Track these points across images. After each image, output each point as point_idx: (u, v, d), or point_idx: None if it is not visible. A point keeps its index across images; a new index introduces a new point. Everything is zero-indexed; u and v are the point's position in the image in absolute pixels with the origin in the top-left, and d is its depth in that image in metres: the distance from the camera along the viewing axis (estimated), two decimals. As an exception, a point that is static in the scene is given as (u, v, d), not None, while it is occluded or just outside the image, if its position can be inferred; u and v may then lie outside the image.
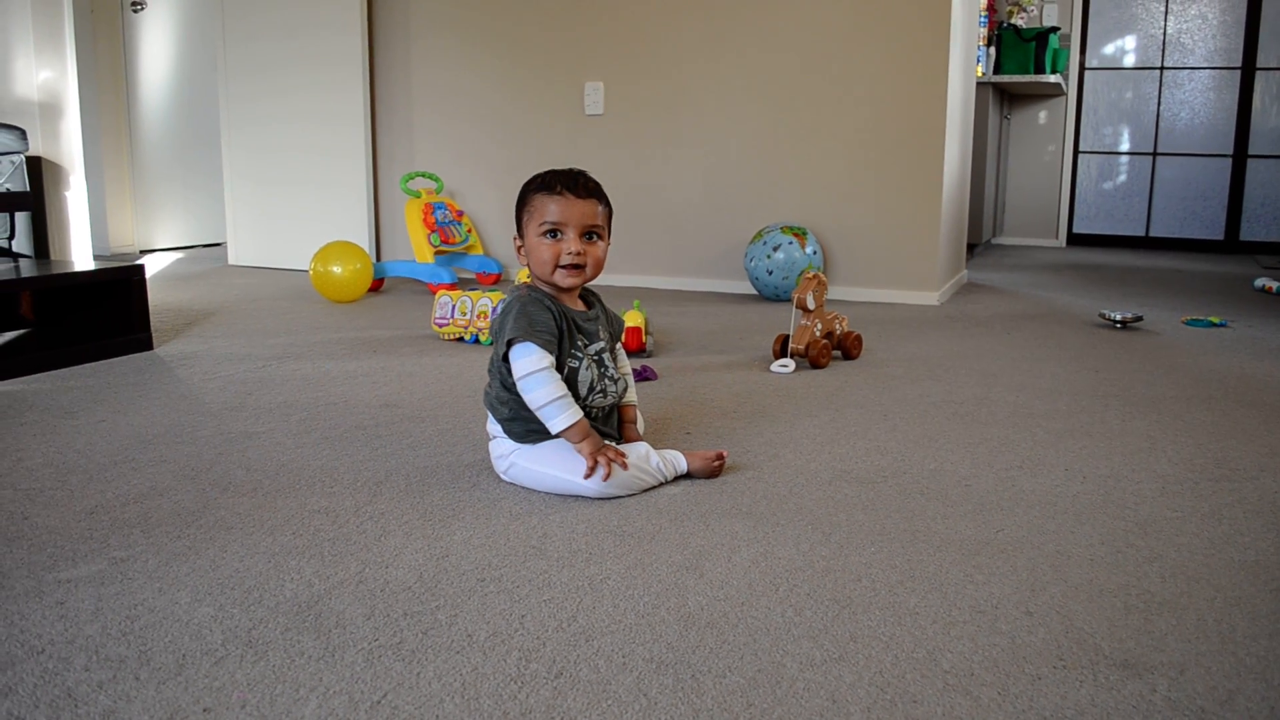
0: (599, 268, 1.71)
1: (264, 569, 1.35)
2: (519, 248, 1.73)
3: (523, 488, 1.69)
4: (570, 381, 1.66)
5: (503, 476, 1.72)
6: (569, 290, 1.72)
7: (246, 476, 1.75)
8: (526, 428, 1.67)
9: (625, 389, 1.80)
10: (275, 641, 1.15)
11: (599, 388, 1.70)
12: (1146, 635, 1.18)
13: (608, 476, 1.60)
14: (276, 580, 1.32)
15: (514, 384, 1.64)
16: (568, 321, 1.66)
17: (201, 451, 1.90)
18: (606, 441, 1.68)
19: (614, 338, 1.81)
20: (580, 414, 1.62)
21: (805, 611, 1.24)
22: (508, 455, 1.70)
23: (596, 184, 1.73)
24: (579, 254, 1.66)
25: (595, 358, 1.70)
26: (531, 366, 1.60)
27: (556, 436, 1.63)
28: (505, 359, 1.64)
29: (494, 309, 2.94)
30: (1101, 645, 1.16)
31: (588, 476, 1.60)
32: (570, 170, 1.73)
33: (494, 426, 1.73)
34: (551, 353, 1.62)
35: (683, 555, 1.41)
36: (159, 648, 1.14)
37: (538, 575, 1.34)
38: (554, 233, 1.67)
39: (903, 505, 1.63)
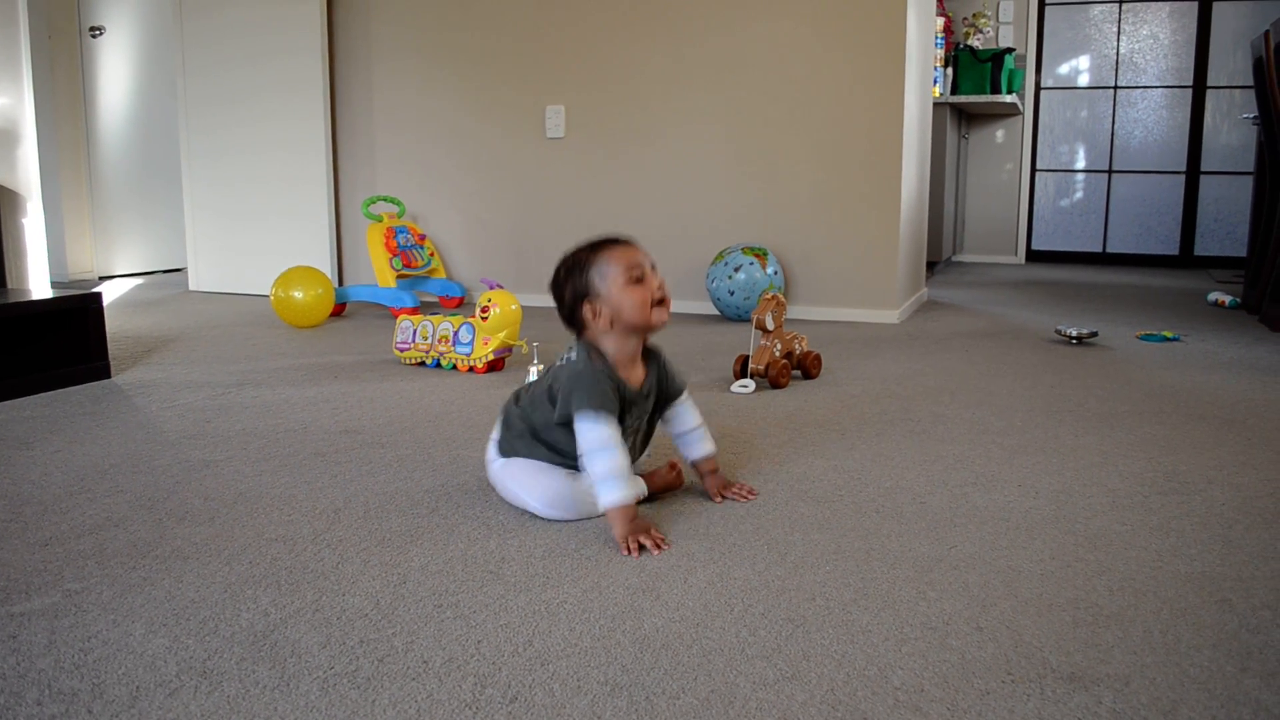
0: None
1: (220, 599, 1.35)
2: (591, 317, 1.67)
3: (486, 505, 1.70)
4: None
5: (488, 468, 1.78)
6: (643, 337, 1.71)
7: (204, 505, 1.75)
8: (521, 451, 1.72)
9: (697, 443, 1.81)
10: (230, 672, 1.15)
11: (627, 449, 1.71)
12: (1093, 648, 1.20)
13: (638, 556, 1.56)
14: (232, 610, 1.32)
15: (530, 417, 1.70)
16: (624, 399, 1.67)
17: (159, 481, 1.89)
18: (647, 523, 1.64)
19: (662, 403, 1.80)
20: (633, 496, 1.60)
21: (759, 631, 1.25)
22: (492, 460, 1.77)
23: None
24: (663, 287, 1.68)
25: (634, 429, 1.72)
26: (603, 439, 1.60)
27: (603, 510, 1.60)
28: (566, 423, 1.64)
29: (454, 331, 2.95)
30: (1049, 659, 1.18)
31: (626, 552, 1.55)
32: (594, 237, 1.74)
33: (497, 430, 1.79)
34: (617, 424, 1.63)
35: (639, 578, 1.42)
36: (112, 680, 1.13)
37: (494, 600, 1.34)
38: (641, 277, 1.66)
39: (858, 523, 1.65)
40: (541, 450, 1.71)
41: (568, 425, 1.64)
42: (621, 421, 1.66)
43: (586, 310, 1.68)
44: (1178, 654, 1.19)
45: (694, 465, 1.83)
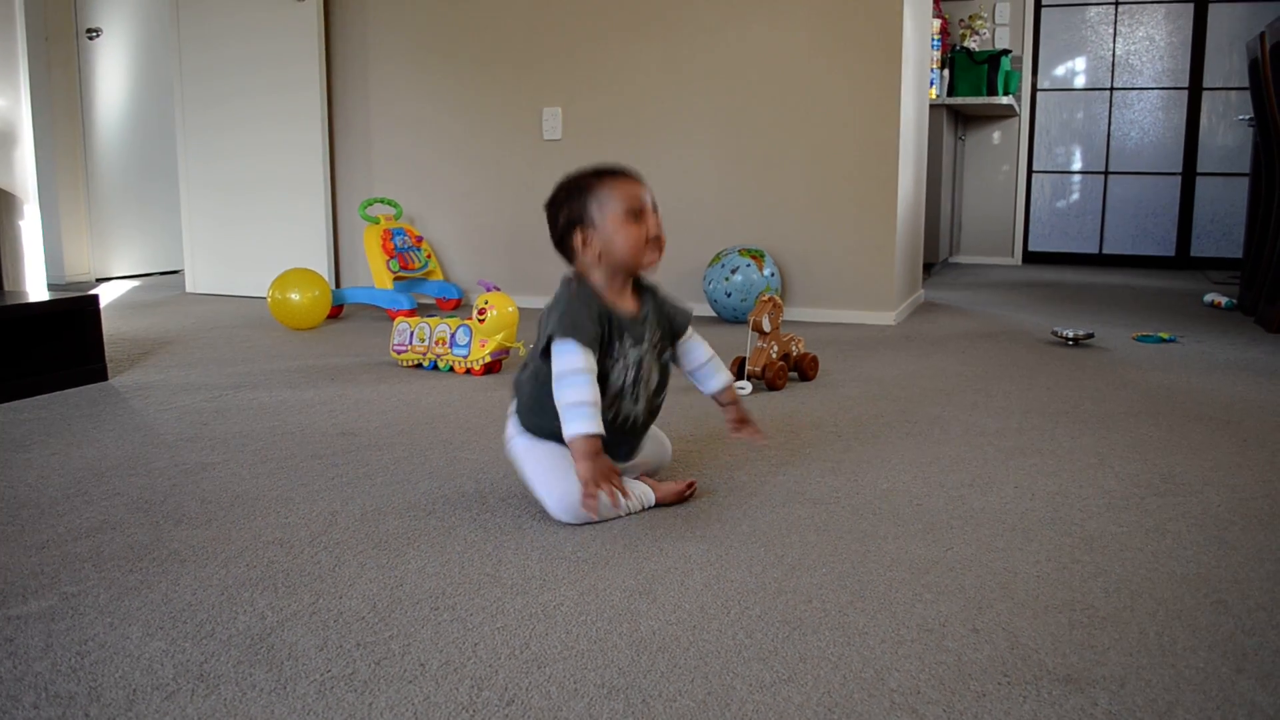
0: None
1: (217, 601, 1.35)
2: (581, 245, 1.65)
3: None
4: (601, 382, 1.62)
5: (507, 444, 1.77)
6: (631, 275, 1.69)
7: (201, 508, 1.75)
8: (534, 420, 1.69)
9: (711, 375, 1.83)
10: (227, 675, 1.15)
11: (632, 393, 1.68)
12: (1089, 650, 1.21)
13: (596, 514, 1.57)
14: (229, 613, 1.32)
15: (537, 375, 1.65)
16: (613, 323, 1.64)
17: (156, 483, 1.89)
18: (617, 467, 1.64)
19: (671, 335, 1.77)
20: (597, 430, 1.56)
21: (756, 634, 1.25)
22: (513, 436, 1.74)
23: None
24: (659, 226, 1.66)
25: (635, 361, 1.67)
26: (570, 365, 1.57)
27: (566, 442, 1.59)
28: (545, 354, 1.62)
29: (451, 334, 2.95)
30: (1045, 660, 1.18)
31: (583, 500, 1.56)
32: (601, 164, 1.70)
33: (513, 403, 1.77)
34: (593, 353, 1.60)
35: (636, 580, 1.42)
36: (109, 683, 1.13)
37: (491, 603, 1.35)
38: (640, 213, 1.64)
39: (855, 525, 1.65)
40: (549, 412, 1.63)
41: (548, 356, 1.61)
42: (611, 347, 1.63)
43: (577, 238, 1.66)
44: (1173, 655, 1.20)
45: (713, 397, 1.84)
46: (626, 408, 1.69)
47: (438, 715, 1.06)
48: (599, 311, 1.62)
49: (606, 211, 1.64)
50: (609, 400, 1.65)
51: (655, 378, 1.74)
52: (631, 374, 1.67)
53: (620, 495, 1.57)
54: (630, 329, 1.67)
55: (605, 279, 1.66)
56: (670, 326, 1.77)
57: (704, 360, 1.82)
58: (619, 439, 1.71)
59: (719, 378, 1.82)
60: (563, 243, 1.69)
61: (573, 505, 1.61)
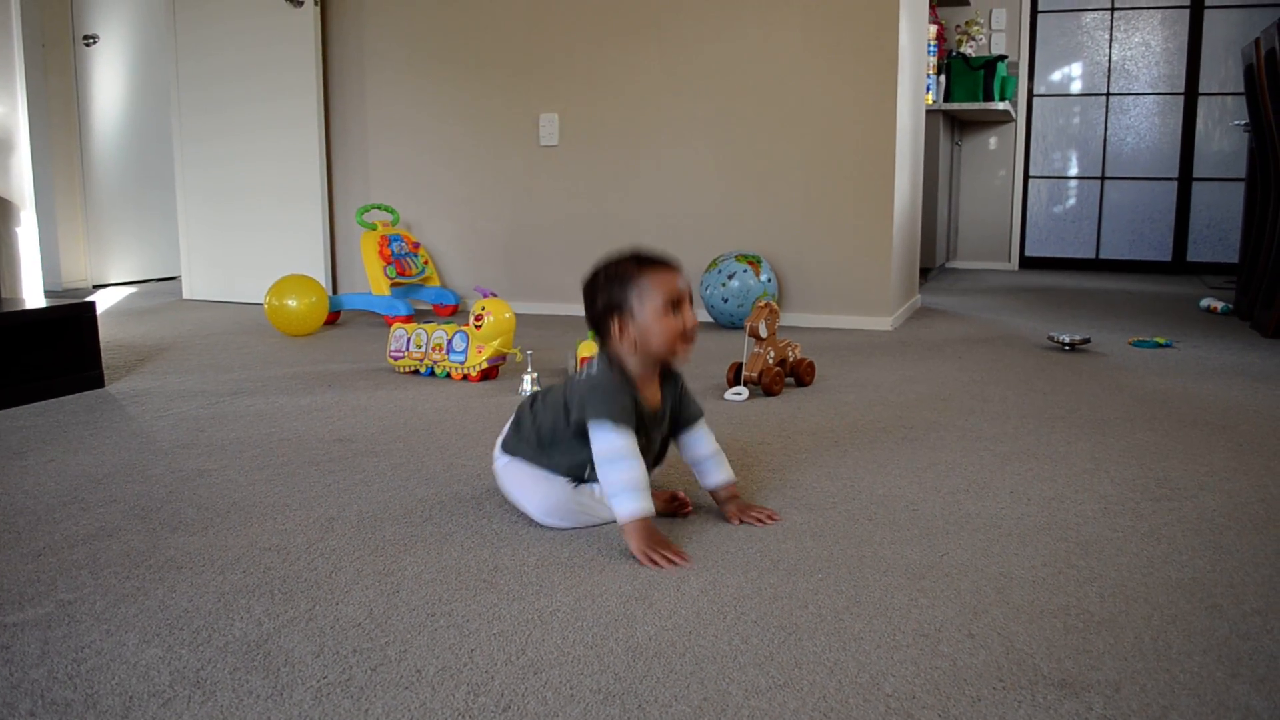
0: None
1: (213, 608, 1.35)
2: (618, 332, 1.64)
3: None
4: None
5: (494, 464, 1.79)
6: (675, 362, 1.70)
7: (197, 515, 1.75)
8: (527, 451, 1.71)
9: (713, 471, 1.77)
10: (223, 681, 1.15)
11: None
12: (1084, 654, 1.21)
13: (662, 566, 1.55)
14: (226, 619, 1.32)
15: (556, 429, 1.67)
16: (641, 415, 1.65)
17: (152, 490, 1.89)
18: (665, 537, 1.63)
19: (675, 427, 1.77)
20: (649, 510, 1.57)
21: (752, 639, 1.25)
22: (498, 458, 1.77)
23: None
24: (693, 321, 1.66)
25: (646, 453, 1.68)
26: (619, 448, 1.58)
27: (619, 521, 1.58)
28: (580, 432, 1.63)
29: (448, 340, 2.95)
30: (1040, 665, 1.18)
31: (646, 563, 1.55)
32: (642, 249, 1.70)
33: (507, 428, 1.79)
34: (634, 436, 1.61)
35: (632, 586, 1.42)
36: (106, 690, 1.13)
37: (488, 609, 1.35)
38: (678, 305, 1.64)
39: (851, 531, 1.65)
40: (544, 459, 1.69)
41: (582, 434, 1.62)
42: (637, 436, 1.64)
43: (614, 324, 1.64)
44: (1168, 660, 1.20)
45: (711, 493, 1.77)
46: None
47: (434, 721, 1.07)
48: (635, 401, 1.64)
49: (646, 304, 1.62)
50: None
51: (653, 459, 1.76)
52: (649, 461, 1.69)
53: (680, 557, 1.53)
54: (652, 425, 1.69)
55: (637, 366, 1.66)
56: (680, 416, 1.77)
57: (707, 454, 1.77)
58: None
59: (719, 474, 1.77)
60: (599, 325, 1.68)
61: (553, 508, 1.66)
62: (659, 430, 1.72)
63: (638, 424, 1.63)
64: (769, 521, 1.70)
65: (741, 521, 1.70)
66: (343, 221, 4.81)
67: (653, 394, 1.69)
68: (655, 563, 1.50)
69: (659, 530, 1.59)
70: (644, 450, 1.66)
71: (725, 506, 1.74)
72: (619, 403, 1.60)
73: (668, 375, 1.73)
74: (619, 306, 1.63)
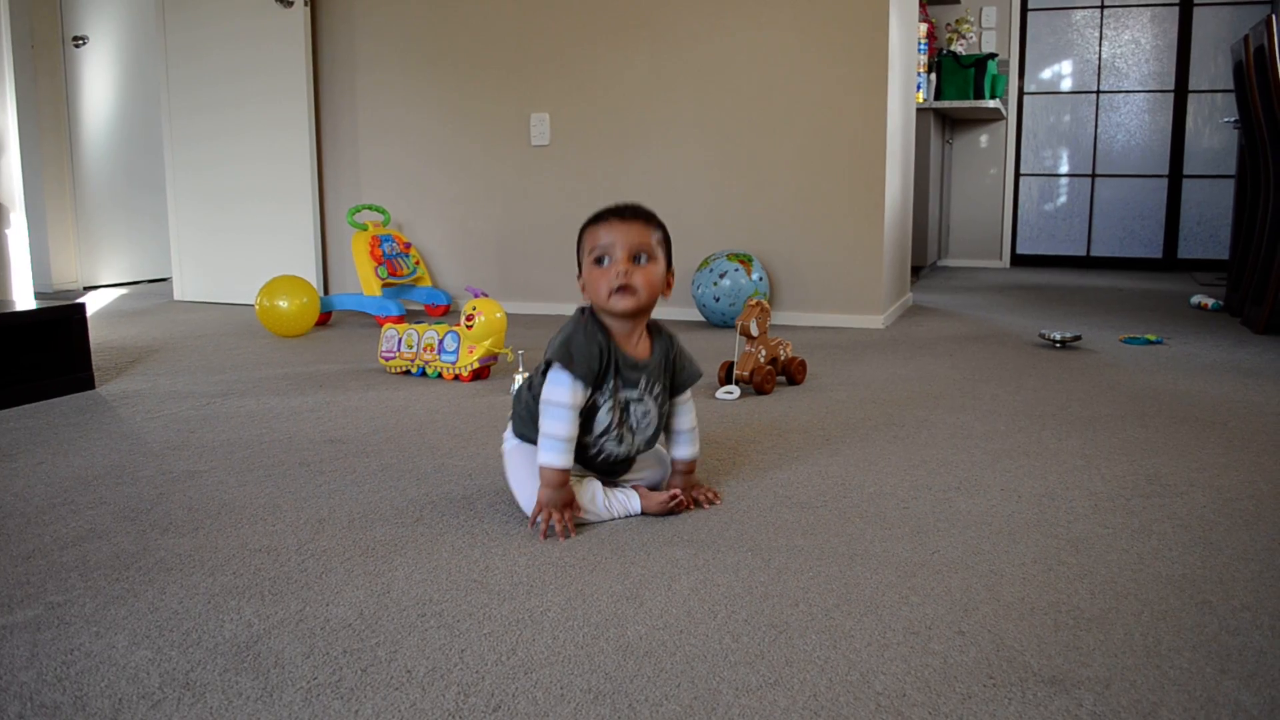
0: (652, 290, 1.66)
1: (203, 610, 1.35)
2: (582, 287, 1.69)
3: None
4: (587, 417, 1.65)
5: (502, 446, 1.80)
6: (628, 318, 1.67)
7: (188, 516, 1.74)
8: (525, 430, 1.72)
9: (684, 444, 1.79)
10: (213, 683, 1.15)
11: (615, 434, 1.68)
12: (1074, 651, 1.21)
13: (544, 537, 1.60)
14: (215, 621, 1.31)
15: (533, 389, 1.69)
16: (613, 361, 1.65)
17: (142, 492, 1.88)
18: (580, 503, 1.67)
19: (672, 389, 1.76)
20: (566, 465, 1.61)
21: (742, 637, 1.25)
22: (507, 440, 1.78)
23: (647, 210, 1.72)
24: (625, 273, 1.63)
25: (623, 404, 1.68)
26: (557, 397, 1.61)
27: (538, 466, 1.63)
28: (544, 374, 1.66)
29: (439, 340, 2.95)
30: (1030, 662, 1.18)
31: (530, 525, 1.65)
32: (618, 204, 1.72)
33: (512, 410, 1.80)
34: (586, 387, 1.62)
35: (623, 585, 1.42)
36: (95, 693, 1.13)
37: (478, 609, 1.35)
38: (602, 259, 1.65)
39: (842, 528, 1.66)
40: (536, 431, 1.66)
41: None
42: (604, 384, 1.64)
43: (579, 282, 1.71)
44: (1158, 656, 1.20)
45: (670, 462, 1.82)
46: (609, 447, 1.70)
47: (424, 722, 1.06)
48: (601, 347, 1.63)
49: (584, 256, 1.69)
50: (593, 437, 1.68)
51: (650, 425, 1.74)
52: (617, 415, 1.68)
53: (569, 531, 1.61)
54: (627, 372, 1.67)
55: (609, 320, 1.67)
56: (673, 380, 1.76)
57: (684, 429, 1.80)
58: (602, 470, 1.75)
59: (688, 449, 1.80)
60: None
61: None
62: (644, 388, 1.69)
63: (610, 370, 1.65)
64: (716, 501, 1.79)
65: (683, 504, 1.73)
66: (334, 222, 4.80)
67: (637, 347, 1.70)
68: (541, 529, 1.60)
69: (570, 490, 1.64)
70: (629, 403, 1.68)
71: (674, 478, 1.81)
72: (583, 350, 1.62)
73: (659, 336, 1.75)
74: (578, 259, 1.72)
